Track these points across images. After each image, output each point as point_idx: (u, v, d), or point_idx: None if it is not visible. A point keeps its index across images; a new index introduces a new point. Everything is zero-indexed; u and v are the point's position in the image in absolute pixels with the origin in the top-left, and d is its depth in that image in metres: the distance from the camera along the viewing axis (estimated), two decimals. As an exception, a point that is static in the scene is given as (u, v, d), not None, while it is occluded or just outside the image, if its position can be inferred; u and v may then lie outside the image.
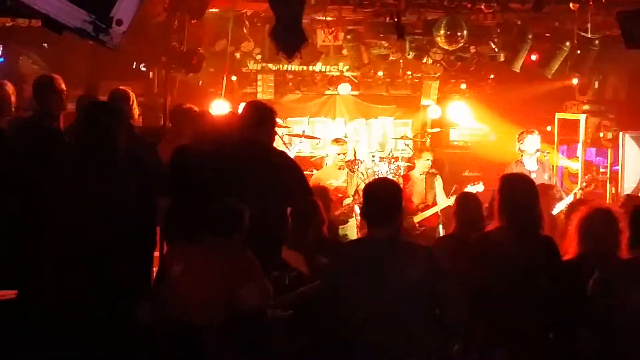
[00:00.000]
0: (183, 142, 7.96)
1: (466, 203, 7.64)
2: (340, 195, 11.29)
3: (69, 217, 6.28)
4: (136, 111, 8.21)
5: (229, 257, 6.06)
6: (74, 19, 3.81)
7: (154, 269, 7.53)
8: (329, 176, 11.57)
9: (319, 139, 14.50)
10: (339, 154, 11.68)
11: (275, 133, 7.85)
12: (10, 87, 7.80)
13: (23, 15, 8.86)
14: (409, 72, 15.31)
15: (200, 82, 14.01)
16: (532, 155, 10.67)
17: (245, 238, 6.19)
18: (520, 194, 6.04)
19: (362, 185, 11.40)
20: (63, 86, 7.84)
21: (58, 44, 12.18)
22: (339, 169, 11.67)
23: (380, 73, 15.19)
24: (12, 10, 8.86)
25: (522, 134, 10.81)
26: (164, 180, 7.44)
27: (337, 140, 12.02)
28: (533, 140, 10.74)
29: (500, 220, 6.03)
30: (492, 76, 15.13)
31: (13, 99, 7.77)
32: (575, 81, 14.48)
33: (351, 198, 11.43)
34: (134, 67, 12.72)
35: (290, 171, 7.21)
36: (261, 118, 7.30)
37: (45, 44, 12.65)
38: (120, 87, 8.38)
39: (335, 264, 5.51)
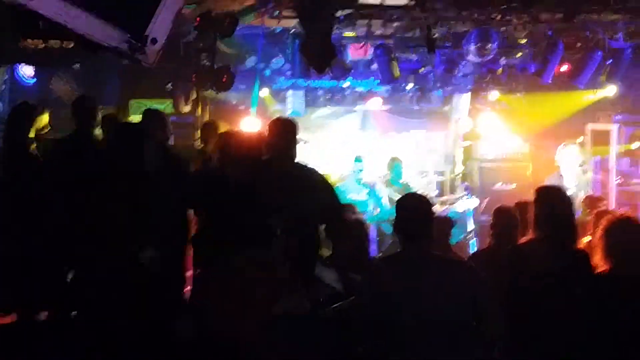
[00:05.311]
0: (213, 161, 8.00)
1: (502, 216, 7.61)
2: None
3: (101, 236, 6.37)
4: (170, 130, 8.25)
5: (263, 272, 6.06)
6: (110, 38, 3.85)
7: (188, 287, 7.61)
8: (349, 191, 11.76)
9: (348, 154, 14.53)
10: (359, 171, 11.94)
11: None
12: (43, 112, 7.87)
13: (56, 37, 8.93)
14: (439, 85, 15.22)
15: (231, 100, 14.03)
16: (569, 168, 10.66)
17: (280, 253, 6.20)
18: (556, 205, 6.00)
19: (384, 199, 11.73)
20: (96, 107, 7.97)
21: (89, 65, 12.29)
22: (358, 184, 11.93)
23: (410, 87, 15.11)
24: (45, 33, 8.98)
25: (560, 146, 10.84)
26: (196, 197, 7.51)
27: (355, 157, 12.25)
28: (567, 153, 10.73)
29: (534, 232, 5.99)
30: (525, 91, 14.96)
31: (39, 123, 7.84)
32: (607, 91, 14.38)
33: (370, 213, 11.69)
34: (164, 86, 12.77)
35: (321, 187, 7.20)
36: (286, 134, 7.32)
37: (77, 65, 12.73)
38: (153, 107, 8.43)
39: (371, 280, 5.49)
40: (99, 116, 8.06)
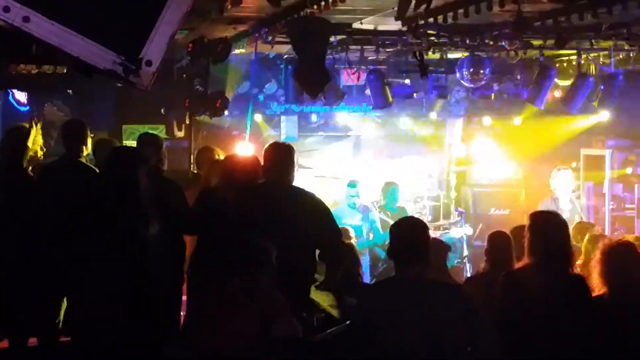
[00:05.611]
0: (209, 185, 7.99)
1: (496, 242, 7.59)
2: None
3: (92, 258, 6.38)
4: (164, 155, 8.26)
5: (257, 295, 6.03)
6: (104, 60, 3.84)
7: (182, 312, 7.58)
8: (343, 216, 11.78)
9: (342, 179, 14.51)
10: (352, 196, 12.02)
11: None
12: (35, 126, 7.89)
13: (49, 62, 8.95)
14: (432, 111, 15.24)
15: (225, 125, 14.02)
16: (563, 192, 10.66)
17: (273, 277, 6.16)
18: (550, 230, 5.98)
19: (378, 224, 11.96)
20: (88, 131, 7.99)
21: (82, 90, 12.30)
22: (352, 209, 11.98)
23: (403, 112, 15.12)
24: (38, 58, 8.99)
25: (554, 171, 10.86)
26: (190, 222, 7.51)
27: (349, 182, 12.49)
28: (561, 177, 10.73)
29: (530, 258, 5.97)
30: (518, 117, 14.95)
31: (36, 145, 7.85)
32: (600, 117, 14.39)
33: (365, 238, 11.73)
34: (157, 111, 12.77)
35: (318, 212, 7.17)
36: (283, 158, 7.31)
37: (70, 91, 12.74)
38: (148, 132, 8.44)
39: (365, 304, 5.47)
40: (89, 139, 8.06)
